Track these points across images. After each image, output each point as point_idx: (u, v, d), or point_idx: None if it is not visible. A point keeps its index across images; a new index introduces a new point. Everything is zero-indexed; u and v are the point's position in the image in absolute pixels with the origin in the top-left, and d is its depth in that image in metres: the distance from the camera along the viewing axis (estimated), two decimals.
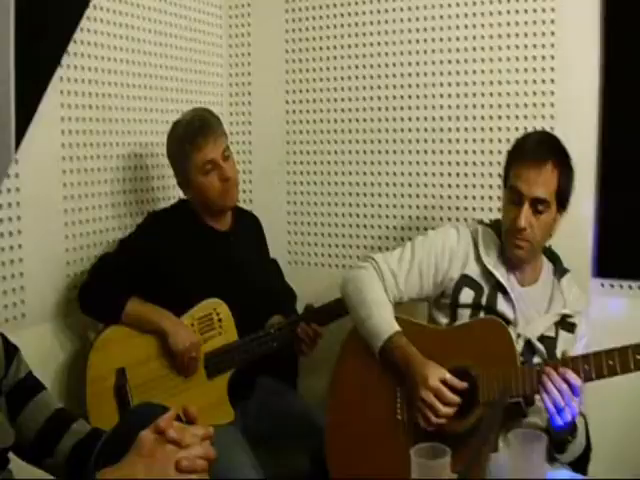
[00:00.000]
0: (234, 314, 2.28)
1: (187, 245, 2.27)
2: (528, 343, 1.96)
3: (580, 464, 2.03)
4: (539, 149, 1.94)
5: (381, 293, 2.04)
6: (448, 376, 1.87)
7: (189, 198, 2.34)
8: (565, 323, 2.01)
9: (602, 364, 1.74)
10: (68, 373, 2.26)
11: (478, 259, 2.04)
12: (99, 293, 2.19)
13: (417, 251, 2.08)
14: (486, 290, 2.01)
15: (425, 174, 2.70)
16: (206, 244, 2.31)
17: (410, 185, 2.73)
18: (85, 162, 2.35)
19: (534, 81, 2.51)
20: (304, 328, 2.34)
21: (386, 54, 2.73)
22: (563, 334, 2.00)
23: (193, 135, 2.23)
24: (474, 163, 2.62)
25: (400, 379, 1.96)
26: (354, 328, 2.08)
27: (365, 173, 2.81)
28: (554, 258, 2.11)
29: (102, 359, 2.14)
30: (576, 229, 2.45)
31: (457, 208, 2.67)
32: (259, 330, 2.33)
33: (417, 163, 2.71)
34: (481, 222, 2.14)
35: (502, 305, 1.98)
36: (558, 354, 1.94)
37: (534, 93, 2.51)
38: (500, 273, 2.00)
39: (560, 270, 2.09)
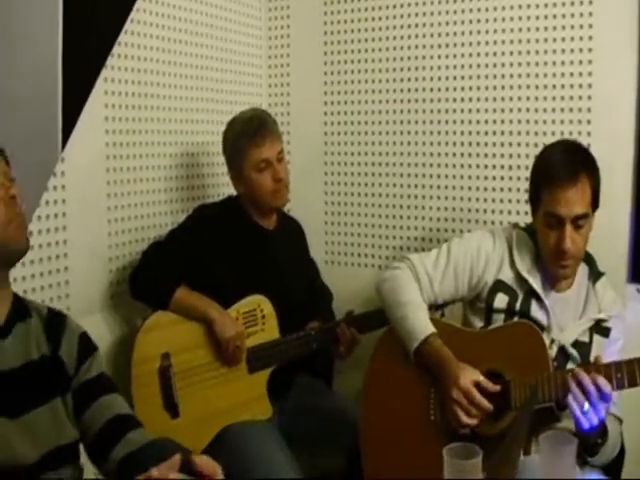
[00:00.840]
0: (276, 312, 2.31)
1: (233, 239, 2.31)
2: (562, 349, 1.96)
3: (613, 468, 2.03)
4: (570, 166, 1.88)
5: (417, 294, 2.04)
6: (481, 378, 1.88)
7: (240, 194, 2.39)
8: (600, 328, 1.99)
9: (635, 372, 1.73)
10: (113, 363, 2.28)
11: (512, 264, 2.03)
12: (150, 278, 2.23)
13: (453, 253, 2.08)
14: (520, 296, 2.00)
15: (462, 177, 2.71)
16: (252, 240, 2.36)
17: (447, 187, 2.74)
18: (128, 161, 2.40)
19: (571, 86, 2.51)
20: (344, 331, 2.36)
21: (430, 57, 2.74)
22: (597, 339, 1.98)
23: (252, 132, 2.29)
24: (510, 167, 2.63)
25: (434, 380, 1.97)
26: (388, 328, 2.09)
27: (402, 175, 2.82)
28: (589, 261, 2.08)
29: (148, 342, 2.16)
30: (612, 234, 2.46)
31: (492, 211, 2.67)
32: (300, 330, 2.36)
33: (454, 166, 2.72)
34: (516, 226, 2.13)
35: (536, 311, 1.98)
36: (592, 359, 1.91)
37: (571, 97, 2.52)
38: (534, 279, 1.99)
39: (595, 273, 2.06)
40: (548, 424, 1.87)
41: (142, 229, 2.47)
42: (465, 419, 1.87)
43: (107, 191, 2.32)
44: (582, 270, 2.06)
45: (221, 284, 2.25)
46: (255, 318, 2.29)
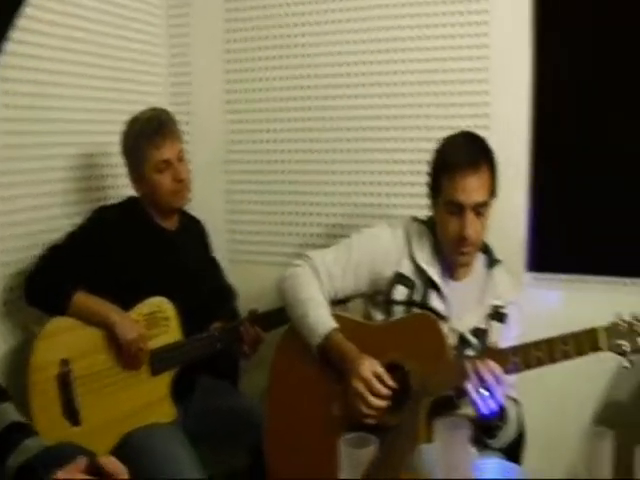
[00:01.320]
0: (179, 313, 2.28)
1: (134, 241, 2.27)
2: (461, 337, 1.98)
3: (513, 450, 2.06)
4: (471, 155, 1.92)
5: (317, 291, 2.04)
6: (380, 369, 1.89)
7: (140, 195, 2.35)
8: (497, 314, 2.02)
9: (530, 355, 1.76)
10: (7, 372, 2.23)
11: (411, 257, 2.04)
12: (46, 282, 2.16)
13: (352, 249, 2.07)
14: (419, 287, 2.02)
15: (363, 172, 2.74)
16: (153, 242, 2.33)
17: (349, 183, 2.76)
18: (24, 163, 2.31)
19: (470, 81, 2.56)
20: (247, 329, 2.34)
21: (324, 54, 2.75)
22: (495, 325, 2.01)
23: (151, 133, 2.26)
24: (411, 161, 2.65)
25: (337, 375, 1.97)
26: (290, 326, 2.08)
27: (303, 172, 2.83)
28: (486, 249, 2.11)
29: (46, 348, 2.10)
30: (510, 225, 2.53)
31: (394, 205, 2.71)
32: (204, 331, 2.33)
33: (355, 162, 2.75)
34: (415, 219, 2.14)
35: (435, 301, 2.00)
36: (490, 345, 1.96)
37: (468, 93, 2.56)
38: (432, 270, 2.01)
39: (492, 261, 2.09)
40: (448, 412, 1.87)
41: (37, 233, 2.38)
42: (366, 409, 1.88)
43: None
44: (479, 259, 2.09)
45: (122, 287, 2.20)
46: (157, 320, 2.25)
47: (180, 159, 2.32)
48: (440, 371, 1.84)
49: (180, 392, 2.29)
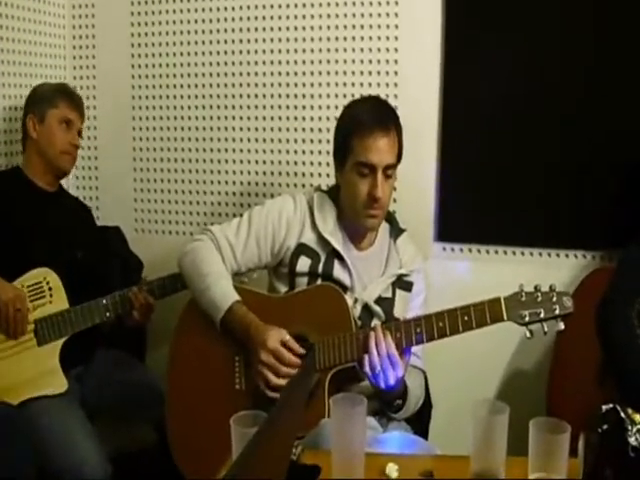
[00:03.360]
0: (65, 284, 2.23)
1: (9, 203, 2.26)
2: (365, 307, 1.97)
3: (420, 421, 2.09)
4: (383, 118, 1.92)
5: (219, 264, 2.00)
6: (287, 337, 1.86)
7: (31, 141, 2.33)
8: (402, 282, 2.03)
9: (433, 326, 1.76)
10: None
11: (314, 227, 2.02)
12: None
13: (254, 221, 2.04)
14: (322, 257, 1.99)
15: (271, 140, 2.69)
16: (31, 203, 2.31)
17: (257, 151, 2.72)
18: None
19: (378, 49, 2.52)
20: (137, 296, 2.28)
21: (225, 30, 2.70)
22: (400, 293, 2.02)
23: (69, 93, 2.37)
24: (311, 129, 2.63)
25: (239, 349, 1.94)
26: (192, 300, 2.04)
27: (209, 139, 2.78)
28: (390, 219, 2.11)
29: None
30: (419, 195, 2.54)
31: (295, 174, 2.67)
32: (92, 300, 2.26)
33: (256, 129, 2.71)
34: (318, 189, 2.12)
35: (338, 271, 1.97)
36: (396, 314, 1.97)
37: (378, 61, 2.53)
38: (336, 240, 1.99)
39: (396, 230, 2.10)
40: (352, 384, 1.88)
41: None
42: (275, 379, 1.85)
43: None
44: (383, 228, 2.09)
45: (3, 254, 2.17)
46: (42, 290, 2.19)
47: (79, 133, 2.40)
48: (343, 343, 1.83)
49: (73, 362, 2.25)
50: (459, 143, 2.49)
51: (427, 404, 2.15)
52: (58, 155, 2.32)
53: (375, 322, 1.96)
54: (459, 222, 2.54)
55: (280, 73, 2.65)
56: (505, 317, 1.72)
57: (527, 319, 1.71)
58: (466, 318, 1.74)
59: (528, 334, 1.71)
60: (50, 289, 2.20)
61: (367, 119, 1.91)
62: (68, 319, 2.22)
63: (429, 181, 2.54)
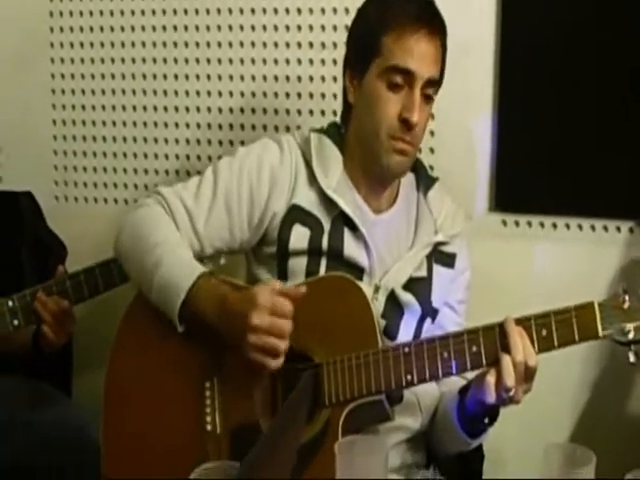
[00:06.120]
0: None
1: None
2: (392, 296, 1.90)
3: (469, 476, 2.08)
4: (428, 15, 1.87)
5: (172, 233, 1.88)
6: (279, 285, 1.71)
7: None
8: (440, 254, 1.97)
9: (495, 342, 1.64)
10: None
11: (312, 181, 1.93)
12: None
13: (221, 178, 1.93)
14: (326, 226, 1.90)
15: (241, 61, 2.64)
16: None
17: (215, 78, 2.66)
18: None
19: None
20: (43, 301, 2.18)
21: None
22: (439, 270, 1.96)
23: None
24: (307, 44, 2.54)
25: (211, 367, 1.82)
26: (138, 296, 1.92)
27: (155, 61, 2.73)
28: (416, 166, 2.05)
29: None
30: (468, 148, 2.45)
31: (276, 111, 2.59)
32: None
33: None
34: (313, 130, 2.03)
35: (351, 246, 1.89)
36: (435, 302, 1.92)
37: None
38: (345, 199, 1.90)
39: (425, 180, 2.03)
40: (375, 424, 1.80)
41: None
42: (274, 363, 1.68)
43: None
44: (408, 180, 2.03)
45: None
46: None
47: None
48: (365, 365, 1.71)
49: None
50: (522, 77, 2.40)
51: (477, 452, 2.06)
52: None
53: (409, 318, 1.90)
54: (527, 186, 2.43)
55: None
56: (601, 333, 1.60)
57: (632, 336, 1.59)
58: (544, 333, 1.62)
59: (632, 358, 1.61)
60: None
61: (407, 12, 1.85)
62: None
63: (482, 126, 2.44)
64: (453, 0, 2.29)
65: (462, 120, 2.43)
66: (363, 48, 1.90)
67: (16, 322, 2.19)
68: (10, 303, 2.18)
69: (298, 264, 1.90)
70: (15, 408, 2.24)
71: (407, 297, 1.89)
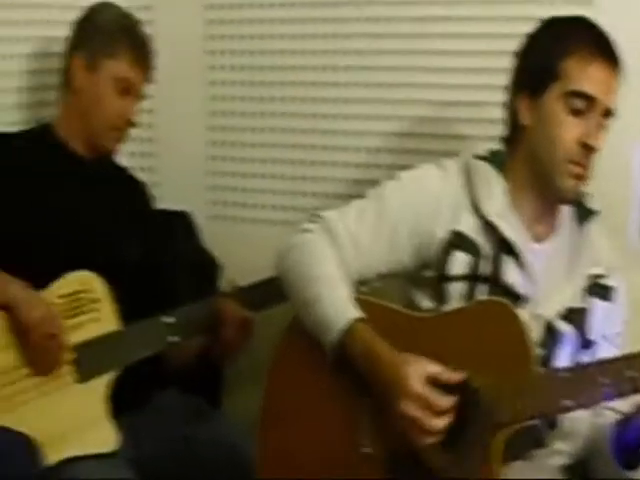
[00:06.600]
0: (114, 294, 2.19)
1: (37, 179, 2.27)
2: (549, 327, 1.88)
3: None
4: (609, 46, 1.88)
5: (334, 265, 1.91)
6: (434, 369, 1.73)
7: (68, 94, 2.35)
8: (598, 287, 1.94)
9: None
10: None
11: (475, 207, 1.93)
12: None
13: (385, 203, 1.95)
14: (487, 252, 1.91)
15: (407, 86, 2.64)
16: (65, 178, 2.31)
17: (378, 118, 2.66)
18: None
19: None
20: (225, 308, 2.23)
21: None
22: (598, 303, 1.93)
23: (133, 34, 2.36)
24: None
25: (365, 389, 1.83)
26: (294, 319, 1.97)
27: (311, 102, 2.76)
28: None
29: None
30: (620, 164, 2.38)
31: (444, 137, 2.58)
32: (154, 317, 2.22)
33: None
34: (476, 156, 2.03)
35: (511, 273, 1.89)
36: (592, 334, 1.90)
37: None
38: (508, 226, 1.90)
39: (585, 211, 2.00)
40: (530, 450, 1.81)
41: None
42: (424, 437, 1.71)
43: None
44: (567, 209, 2.02)
45: (11, 248, 2.14)
46: (82, 304, 2.14)
47: (141, 97, 2.40)
48: (525, 389, 1.70)
49: (123, 409, 2.17)
50: None
51: None
52: (103, 129, 2.32)
53: (567, 349, 1.88)
54: None
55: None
56: None
57: None
58: None
59: None
60: (94, 301, 2.16)
61: (590, 40, 1.88)
62: (121, 344, 2.17)
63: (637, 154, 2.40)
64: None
65: (616, 148, 2.30)
66: (539, 72, 1.91)
67: (173, 338, 2.23)
68: (166, 319, 2.23)
69: (456, 289, 1.90)
70: (174, 424, 2.30)
71: (565, 327, 1.88)
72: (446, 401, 1.71)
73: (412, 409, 1.70)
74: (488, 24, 2.51)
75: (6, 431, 1.84)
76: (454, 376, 1.73)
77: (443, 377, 1.73)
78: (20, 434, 1.86)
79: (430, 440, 1.71)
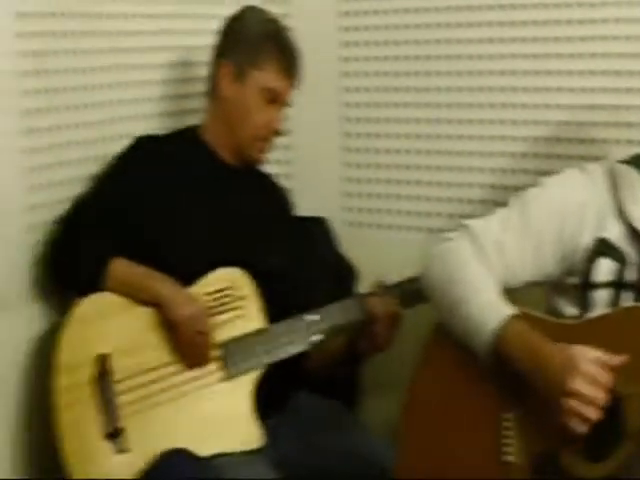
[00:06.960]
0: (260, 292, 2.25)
1: (185, 179, 2.32)
2: None
3: None
4: None
5: (482, 270, 1.90)
6: (598, 354, 1.70)
7: (215, 101, 2.39)
8: None
9: None
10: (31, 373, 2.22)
11: (620, 214, 1.89)
12: (73, 250, 2.18)
13: (531, 211, 1.93)
14: (632, 259, 1.86)
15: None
16: (211, 184, 2.36)
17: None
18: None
19: None
20: (375, 303, 2.23)
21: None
22: None
23: (283, 43, 2.37)
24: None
25: (509, 398, 1.83)
26: (438, 327, 1.97)
27: (446, 108, 2.75)
28: None
29: (77, 339, 2.09)
30: None
31: (581, 141, 2.52)
32: (298, 316, 2.25)
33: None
34: (620, 161, 1.98)
35: None
36: None
37: None
38: None
39: None
40: None
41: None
42: (594, 415, 1.67)
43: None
44: None
45: (173, 248, 2.22)
46: (229, 300, 2.21)
47: (286, 105, 2.40)
48: None
49: (267, 408, 2.22)
50: None
51: None
52: (250, 139, 2.34)
53: None
54: None
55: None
56: None
57: None
58: None
59: None
60: (241, 298, 2.21)
61: None
62: (268, 342, 2.20)
63: None
64: None
65: None
66: None
67: (317, 337, 2.25)
68: (311, 317, 2.25)
69: (601, 296, 1.88)
70: (313, 429, 2.31)
71: None
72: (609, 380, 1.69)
73: (584, 386, 1.67)
74: (629, 26, 2.46)
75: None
76: (616, 359, 1.70)
77: (609, 360, 1.70)
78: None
79: (584, 428, 1.69)
